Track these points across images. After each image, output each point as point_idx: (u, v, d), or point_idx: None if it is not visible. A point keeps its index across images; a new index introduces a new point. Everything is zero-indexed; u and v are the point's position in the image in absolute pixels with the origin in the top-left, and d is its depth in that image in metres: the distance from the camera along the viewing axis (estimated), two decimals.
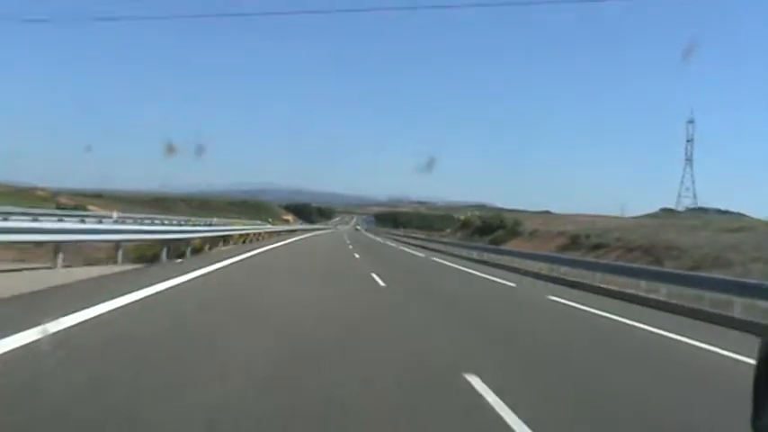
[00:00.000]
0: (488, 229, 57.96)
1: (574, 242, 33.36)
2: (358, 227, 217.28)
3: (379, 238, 74.31)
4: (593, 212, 69.99)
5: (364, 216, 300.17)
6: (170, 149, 14.15)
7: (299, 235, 56.82)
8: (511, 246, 38.95)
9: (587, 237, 32.67)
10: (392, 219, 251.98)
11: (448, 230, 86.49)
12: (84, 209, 59.10)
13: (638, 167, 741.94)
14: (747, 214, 72.87)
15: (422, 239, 59.41)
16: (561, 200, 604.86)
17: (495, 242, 45.37)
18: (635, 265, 19.64)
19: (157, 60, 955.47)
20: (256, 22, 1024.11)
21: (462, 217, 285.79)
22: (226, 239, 26.55)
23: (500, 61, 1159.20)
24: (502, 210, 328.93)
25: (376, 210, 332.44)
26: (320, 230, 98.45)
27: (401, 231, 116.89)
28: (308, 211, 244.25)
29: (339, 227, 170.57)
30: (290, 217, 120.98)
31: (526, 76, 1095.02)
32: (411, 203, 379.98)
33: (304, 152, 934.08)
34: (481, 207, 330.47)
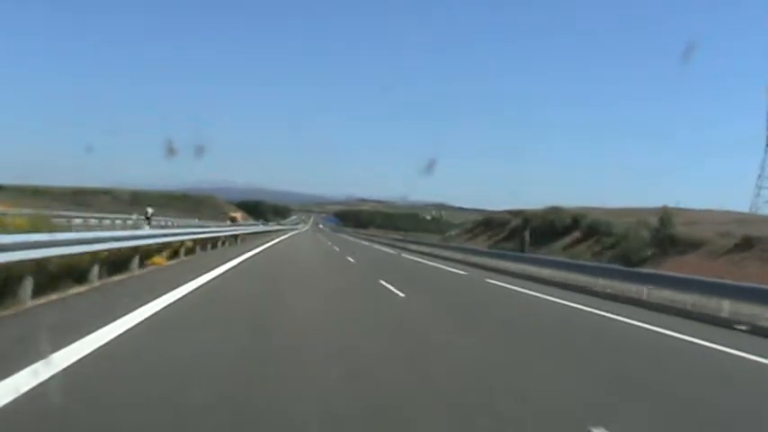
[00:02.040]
0: (548, 231, 38.85)
1: None
2: (320, 225, 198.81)
3: (392, 251, 42.09)
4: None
5: (323, 215, 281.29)
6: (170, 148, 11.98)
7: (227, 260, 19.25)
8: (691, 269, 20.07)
9: None
10: (354, 217, 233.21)
11: (453, 233, 65.75)
12: None
13: (611, 163, 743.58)
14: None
15: (455, 250, 38.01)
16: (523, 197, 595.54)
17: (631, 261, 26.56)
18: None
19: (106, 58, 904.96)
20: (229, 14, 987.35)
21: (429, 216, 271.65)
22: None
23: (455, 57, 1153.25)
24: (462, 209, 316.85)
25: (334, 209, 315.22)
26: (279, 234, 61.98)
27: (388, 234, 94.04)
28: (263, 209, 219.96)
29: (299, 226, 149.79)
30: (238, 214, 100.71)
31: (485, 64, 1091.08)
32: (370, 202, 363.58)
33: (261, 151, 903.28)
34: (442, 206, 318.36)
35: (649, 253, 31.03)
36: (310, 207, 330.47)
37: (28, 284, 7.81)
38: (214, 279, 13.39)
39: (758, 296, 11.81)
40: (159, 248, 16.29)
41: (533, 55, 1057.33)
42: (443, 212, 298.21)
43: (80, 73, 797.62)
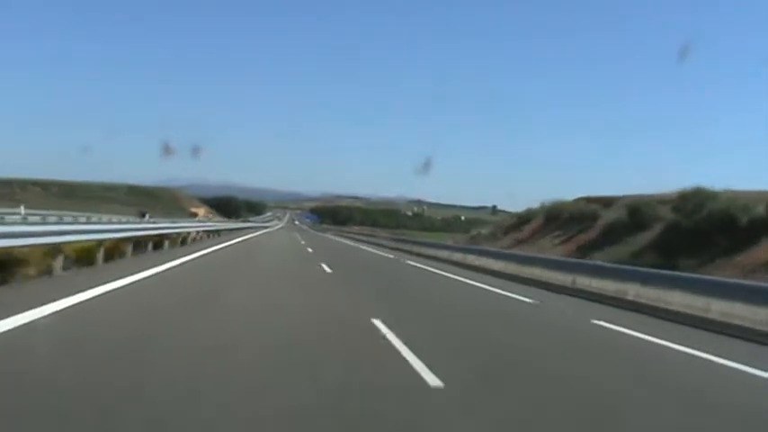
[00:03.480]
0: (710, 230, 20.39)
1: None
2: (296, 222, 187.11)
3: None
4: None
5: (299, 211, 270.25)
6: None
7: None
8: None
9: None
10: (332, 214, 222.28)
11: (483, 231, 51.00)
12: None
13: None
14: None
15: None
16: (512, 194, 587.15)
17: None
18: None
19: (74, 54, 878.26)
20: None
21: (410, 212, 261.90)
22: None
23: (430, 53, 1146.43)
24: (440, 205, 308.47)
25: (310, 205, 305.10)
26: (240, 234, 48.04)
27: (389, 234, 67.16)
28: (236, 206, 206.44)
29: (272, 223, 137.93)
30: (202, 210, 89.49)
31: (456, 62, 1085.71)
32: (346, 199, 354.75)
33: (236, 148, 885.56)
34: (420, 202, 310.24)
35: None
36: (286, 204, 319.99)
37: None
38: None
39: None
40: None
41: (530, 55, 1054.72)
42: (425, 208, 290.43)
43: (76, 73, 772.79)
